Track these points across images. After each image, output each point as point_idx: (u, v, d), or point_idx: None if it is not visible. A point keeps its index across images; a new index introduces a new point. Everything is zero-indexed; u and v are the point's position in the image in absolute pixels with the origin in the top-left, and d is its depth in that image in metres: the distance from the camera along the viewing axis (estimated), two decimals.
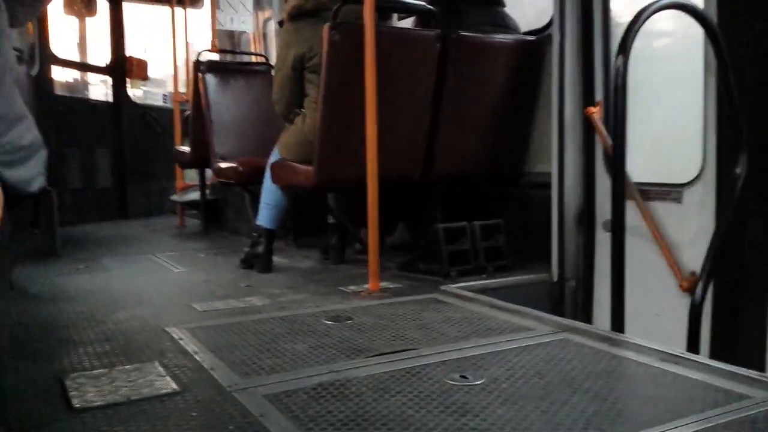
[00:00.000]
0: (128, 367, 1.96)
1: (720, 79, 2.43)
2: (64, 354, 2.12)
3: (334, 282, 3.21)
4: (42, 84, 5.45)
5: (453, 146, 3.61)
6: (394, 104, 3.27)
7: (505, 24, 3.80)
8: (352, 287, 3.05)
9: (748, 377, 1.71)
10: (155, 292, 3.09)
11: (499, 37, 3.69)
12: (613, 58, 3.02)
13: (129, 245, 4.68)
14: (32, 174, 2.56)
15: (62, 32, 7.47)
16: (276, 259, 3.66)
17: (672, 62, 3.10)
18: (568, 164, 3.25)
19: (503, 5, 3.92)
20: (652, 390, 1.68)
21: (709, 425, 1.44)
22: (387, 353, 2.04)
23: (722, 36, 2.40)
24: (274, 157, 3.63)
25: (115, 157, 6.49)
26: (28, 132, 2.18)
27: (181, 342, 2.20)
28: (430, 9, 3.54)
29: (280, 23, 4.00)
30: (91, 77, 8.30)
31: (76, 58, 7.94)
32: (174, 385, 1.80)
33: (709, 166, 2.69)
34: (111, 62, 6.71)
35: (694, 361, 1.86)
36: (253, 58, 6.73)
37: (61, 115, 5.82)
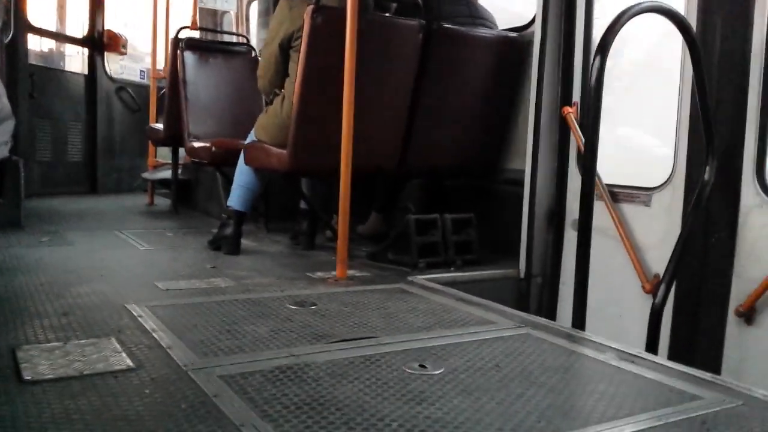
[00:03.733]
0: (84, 341, 1.93)
1: (696, 86, 2.46)
2: (18, 325, 2.08)
3: (302, 267, 3.19)
4: (15, 52, 5.32)
5: (429, 138, 3.60)
6: (372, 93, 3.25)
7: (482, 16, 3.80)
8: (320, 273, 3.03)
9: (701, 379, 1.74)
10: (118, 268, 3.04)
11: (482, 31, 3.69)
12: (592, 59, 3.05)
13: (96, 220, 4.61)
14: None
15: (41, 1, 7.30)
16: (245, 242, 3.63)
17: (650, 67, 3.13)
18: (542, 162, 3.27)
19: None
20: (607, 387, 1.69)
21: (660, 423, 1.46)
22: (348, 340, 2.04)
23: (701, 43, 2.42)
24: (250, 138, 3.60)
25: (88, 131, 6.37)
26: None
27: (140, 319, 2.17)
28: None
29: (275, 1, 3.94)
30: (69, 48, 8.14)
31: (54, 28, 7.77)
32: (129, 362, 1.77)
33: (678, 171, 2.72)
34: (87, 34, 6.58)
35: (651, 361, 1.89)
36: (235, 39, 6.64)
37: (34, 85, 5.69)
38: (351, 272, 3.00)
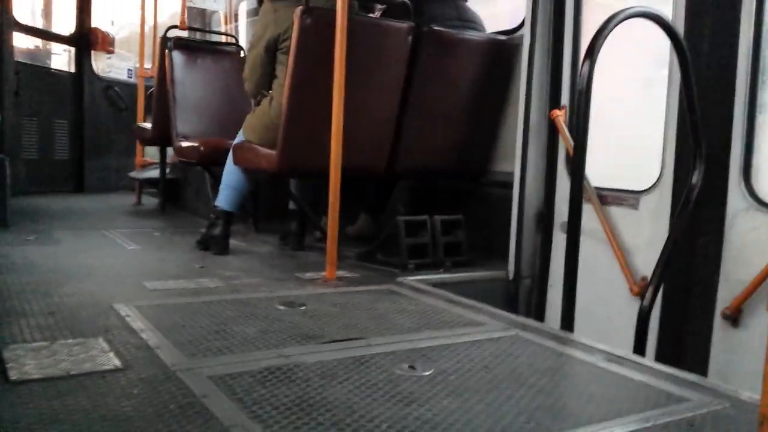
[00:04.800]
0: (71, 341, 1.91)
1: (683, 90, 2.48)
2: (4, 325, 2.06)
3: (291, 268, 3.19)
4: (0, 49, 5.27)
5: (419, 140, 3.61)
6: (361, 94, 3.25)
7: (471, 19, 3.82)
8: (309, 274, 3.03)
9: (688, 381, 1.75)
10: (105, 267, 3.02)
11: (471, 34, 3.70)
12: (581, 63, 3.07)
13: (83, 219, 4.57)
14: None
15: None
16: (233, 243, 3.62)
17: (638, 71, 3.15)
18: (531, 165, 3.28)
19: None
20: (596, 388, 1.70)
21: (648, 425, 1.47)
22: (338, 341, 2.03)
23: (688, 48, 2.44)
24: (238, 138, 3.58)
25: (74, 130, 6.33)
26: None
27: (128, 319, 2.16)
28: (404, 1, 3.53)
29: (259, 2, 3.94)
30: (56, 47, 8.07)
31: (40, 26, 7.72)
32: (117, 362, 1.76)
33: (666, 175, 2.74)
34: (75, 32, 6.53)
35: (639, 363, 1.90)
36: (223, 38, 6.62)
37: (20, 82, 5.64)
38: (340, 273, 3.00)
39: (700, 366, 2.47)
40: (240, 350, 1.90)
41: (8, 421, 1.39)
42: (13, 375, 1.63)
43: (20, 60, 6.14)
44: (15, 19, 5.75)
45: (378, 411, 1.50)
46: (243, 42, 6.04)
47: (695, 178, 2.48)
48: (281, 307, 2.40)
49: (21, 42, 6.49)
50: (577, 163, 2.32)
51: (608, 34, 2.29)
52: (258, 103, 3.52)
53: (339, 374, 1.73)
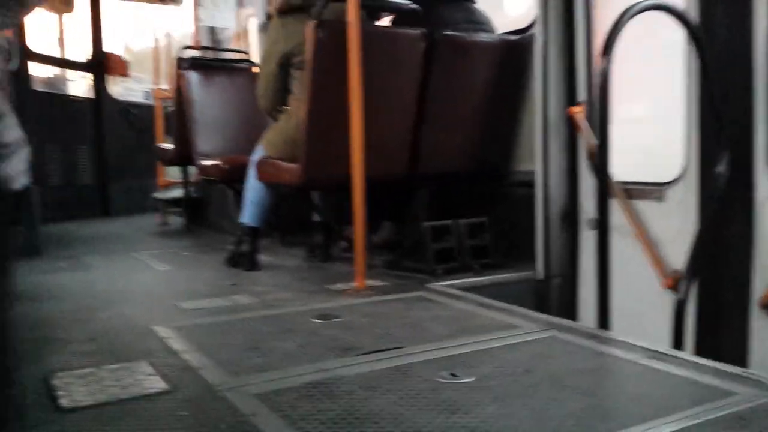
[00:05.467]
0: (115, 366, 1.95)
1: (702, 79, 2.47)
2: (49, 353, 2.10)
3: (321, 280, 3.21)
4: (20, 80, 5.37)
5: (438, 144, 3.62)
6: (379, 102, 3.26)
7: (480, 21, 3.82)
8: (339, 285, 3.05)
9: (733, 374, 1.74)
10: (140, 290, 3.07)
11: (484, 36, 3.71)
12: (595, 58, 3.06)
13: (111, 243, 4.64)
14: (15, 171, 2.53)
15: (41, 28, 7.37)
16: (262, 258, 3.65)
17: (656, 62, 3.14)
18: (553, 163, 3.27)
19: (474, 1, 3.95)
20: (639, 387, 1.70)
21: (697, 422, 1.47)
22: (376, 351, 2.05)
23: (704, 37, 2.44)
24: (257, 154, 3.62)
25: (96, 154, 6.42)
26: (11, 130, 2.15)
27: (168, 341, 2.19)
28: (414, 8, 3.55)
29: (268, 17, 3.98)
30: (71, 73, 8.20)
31: (56, 54, 7.84)
32: (163, 384, 1.79)
33: (691, 165, 2.72)
34: (91, 59, 6.64)
35: (680, 358, 1.89)
36: (236, 55, 6.68)
37: (40, 111, 5.74)
38: (370, 282, 3.02)
39: (740, 358, 2.45)
40: (281, 366, 1.93)
41: None
42: (65, 402, 1.67)
43: (38, 89, 6.26)
44: (29, 49, 5.86)
45: (424, 420, 1.51)
46: (255, 58, 6.09)
47: (721, 166, 2.46)
48: (316, 321, 2.42)
49: (37, 71, 6.61)
50: (601, 158, 2.32)
51: (623, 27, 2.29)
52: (276, 119, 3.55)
53: (381, 385, 1.75)
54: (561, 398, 1.63)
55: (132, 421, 1.56)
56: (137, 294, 2.98)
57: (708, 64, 2.41)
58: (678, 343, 2.32)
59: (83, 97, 6.83)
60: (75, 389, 1.76)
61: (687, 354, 2.02)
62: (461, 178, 3.90)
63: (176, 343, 2.15)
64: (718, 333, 2.56)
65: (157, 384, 1.79)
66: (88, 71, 6.69)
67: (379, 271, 3.36)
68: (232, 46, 7.51)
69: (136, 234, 5.16)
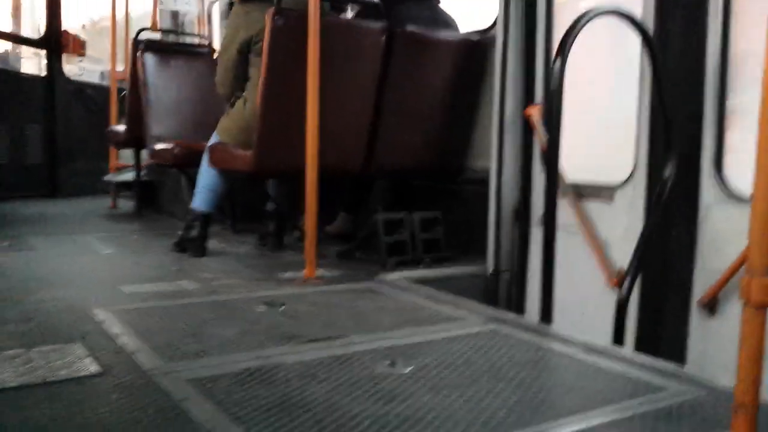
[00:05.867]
0: (47, 348, 1.89)
1: (653, 86, 2.51)
2: None
3: (270, 268, 3.17)
4: None
5: (394, 139, 3.61)
6: (336, 94, 3.24)
7: (443, 19, 3.83)
8: (288, 274, 3.02)
9: (666, 370, 1.77)
10: (81, 272, 2.98)
11: (444, 34, 3.72)
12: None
13: (57, 224, 4.51)
14: None
15: None
16: (211, 244, 3.59)
17: (610, 67, 3.18)
18: (507, 162, 3.30)
19: (438, 1, 3.95)
20: (575, 380, 1.72)
21: (627, 415, 1.49)
22: (318, 340, 2.03)
23: (658, 44, 2.48)
24: (213, 140, 3.56)
25: (47, 134, 6.23)
26: None
27: (104, 324, 2.13)
28: (376, 3, 3.53)
29: (230, 5, 3.92)
30: (25, 50, 7.96)
31: (8, 29, 7.59)
32: (94, 368, 1.74)
33: (640, 168, 2.77)
34: (45, 35, 6.44)
35: (616, 353, 1.92)
36: (196, 40, 6.57)
37: None
38: (320, 272, 3.00)
39: (678, 355, 2.50)
40: (219, 352, 1.89)
41: None
42: None
43: None
44: None
45: (359, 409, 1.50)
46: (216, 44, 6.00)
47: (668, 171, 2.51)
48: (260, 308, 2.39)
49: None
50: (551, 158, 2.34)
51: (579, 31, 2.31)
52: (232, 105, 3.50)
53: (319, 374, 1.73)
54: (497, 390, 1.63)
55: (58, 404, 1.51)
56: (79, 276, 2.90)
57: (660, 69, 2.45)
58: (619, 339, 2.35)
59: (35, 75, 6.62)
60: (2, 370, 1.69)
61: (624, 350, 2.05)
62: (416, 173, 3.90)
63: (113, 327, 2.10)
64: (658, 331, 2.61)
65: (88, 367, 1.74)
66: (42, 48, 6.49)
67: (331, 261, 3.34)
68: (194, 31, 7.40)
69: (85, 216, 5.02)
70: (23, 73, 6.91)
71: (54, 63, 6.40)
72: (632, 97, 2.79)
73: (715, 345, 2.48)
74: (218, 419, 1.43)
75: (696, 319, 2.55)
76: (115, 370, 1.73)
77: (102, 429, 1.39)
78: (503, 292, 3.26)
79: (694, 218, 2.59)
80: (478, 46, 3.74)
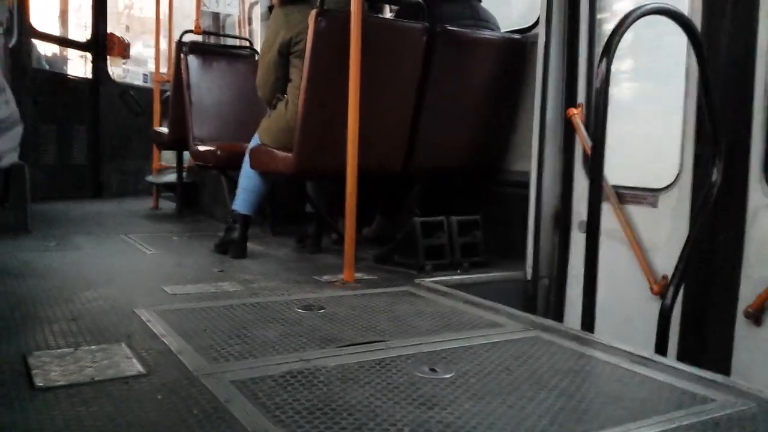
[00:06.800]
0: (94, 347, 1.93)
1: (700, 87, 2.45)
2: (29, 331, 2.09)
3: (309, 271, 3.19)
4: (19, 57, 5.33)
5: (434, 140, 3.61)
6: (377, 95, 3.25)
7: (484, 18, 3.81)
8: (327, 277, 3.03)
9: (712, 381, 1.73)
10: (126, 272, 3.05)
11: (486, 33, 3.69)
12: (597, 61, 3.05)
13: (102, 224, 4.61)
14: (4, 148, 2.51)
15: (43, 5, 7.33)
16: (251, 246, 3.63)
17: (656, 67, 3.13)
18: (548, 164, 3.26)
19: None
20: (618, 390, 1.69)
21: (672, 426, 1.46)
22: (358, 344, 2.04)
23: (706, 44, 2.42)
24: (254, 142, 3.60)
25: (92, 135, 6.38)
26: (5, 105, 2.12)
27: (149, 324, 2.17)
28: (418, 2, 3.53)
29: (270, 8, 3.96)
30: (71, 53, 8.16)
31: (57, 33, 7.80)
32: (140, 368, 1.77)
33: (685, 172, 2.72)
34: (91, 38, 6.59)
35: (661, 363, 1.88)
36: (238, 42, 6.66)
37: (38, 89, 5.71)
38: (358, 275, 3.01)
39: (723, 365, 2.44)
40: (261, 354, 1.91)
41: (34, 428, 1.41)
42: (39, 381, 1.65)
43: (37, 67, 6.23)
44: (33, 27, 5.83)
45: (400, 414, 1.50)
46: (258, 45, 6.07)
47: (715, 175, 2.45)
48: (300, 311, 2.41)
49: (39, 49, 6.57)
50: (596, 161, 2.30)
51: (625, 31, 2.27)
52: (273, 107, 3.54)
53: (360, 377, 1.74)
54: (539, 398, 1.62)
55: (105, 402, 1.55)
56: (123, 276, 2.96)
57: (708, 70, 2.40)
58: (662, 348, 2.31)
59: (82, 77, 6.78)
60: (51, 368, 1.74)
61: (668, 359, 2.01)
62: (455, 174, 3.89)
63: (157, 327, 2.14)
64: (703, 340, 2.56)
65: (134, 367, 1.78)
66: (89, 51, 6.64)
67: (369, 264, 3.35)
68: (235, 33, 7.50)
69: (128, 217, 5.13)
70: (70, 76, 7.07)
71: (99, 65, 6.55)
72: (677, 98, 2.73)
73: (762, 356, 2.42)
74: (261, 422, 1.45)
75: (742, 328, 2.49)
76: (160, 370, 1.77)
77: (148, 428, 1.42)
78: (542, 298, 3.23)
79: (742, 223, 2.53)
80: (520, 45, 3.71)
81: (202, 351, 1.92)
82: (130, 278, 2.93)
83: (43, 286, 2.71)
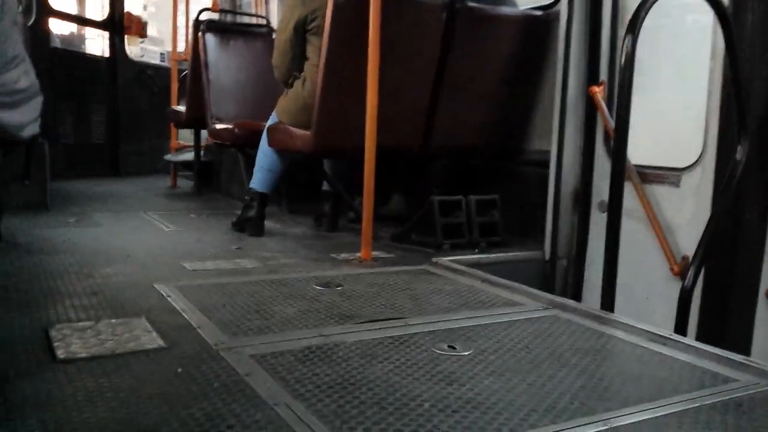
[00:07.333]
0: (114, 321, 1.95)
1: (729, 64, 2.40)
2: (49, 305, 2.11)
3: (326, 249, 3.20)
4: (38, 35, 5.35)
5: (453, 118, 3.57)
6: (396, 73, 3.21)
7: None
8: (344, 255, 3.03)
9: (735, 361, 1.71)
10: (145, 248, 3.07)
11: (506, 9, 3.64)
12: (620, 38, 2.99)
13: (121, 202, 4.65)
14: (27, 119, 2.50)
15: None
16: (268, 224, 3.64)
17: (679, 45, 3.06)
18: (568, 143, 3.22)
19: None
20: (639, 369, 1.68)
21: (695, 405, 1.44)
22: (376, 320, 2.04)
23: (732, 20, 2.37)
24: (272, 120, 3.59)
25: (110, 114, 6.41)
26: (26, 76, 2.11)
27: (169, 299, 2.19)
28: None
29: None
30: (89, 32, 8.17)
31: (75, 12, 7.81)
32: (160, 341, 1.78)
33: (709, 151, 2.67)
34: (108, 17, 6.59)
35: (682, 342, 1.86)
36: (255, 20, 6.62)
37: (56, 67, 5.73)
38: (375, 253, 3.00)
39: (743, 346, 2.42)
40: (280, 329, 1.92)
41: (57, 398, 1.42)
42: (61, 354, 1.67)
43: (55, 46, 6.25)
44: (50, 6, 5.84)
45: (419, 390, 1.50)
46: (275, 23, 6.03)
47: (740, 153, 2.41)
48: (318, 287, 2.41)
49: (56, 28, 6.58)
50: (619, 140, 2.27)
51: (650, 6, 2.22)
52: (290, 85, 3.52)
53: (379, 353, 1.74)
54: (559, 376, 1.61)
55: (126, 374, 1.56)
56: (142, 252, 2.98)
57: (735, 47, 2.35)
58: (681, 329, 2.29)
59: (99, 56, 6.79)
60: (72, 341, 1.76)
61: (689, 339, 1.99)
62: (474, 153, 3.86)
63: (177, 302, 2.15)
64: (723, 320, 2.53)
65: (154, 340, 1.79)
66: (106, 30, 6.65)
67: (386, 242, 3.34)
68: (251, 11, 7.45)
69: (146, 194, 5.16)
70: (88, 54, 7.09)
71: (117, 44, 6.56)
72: (702, 75, 2.68)
73: None
74: (281, 395, 1.45)
75: (763, 310, 2.46)
76: (181, 343, 1.78)
77: (170, 400, 1.43)
78: (560, 278, 3.20)
79: (765, 204, 2.49)
80: (541, 22, 3.66)
81: (222, 326, 1.93)
82: (149, 254, 2.95)
83: (63, 261, 2.73)
